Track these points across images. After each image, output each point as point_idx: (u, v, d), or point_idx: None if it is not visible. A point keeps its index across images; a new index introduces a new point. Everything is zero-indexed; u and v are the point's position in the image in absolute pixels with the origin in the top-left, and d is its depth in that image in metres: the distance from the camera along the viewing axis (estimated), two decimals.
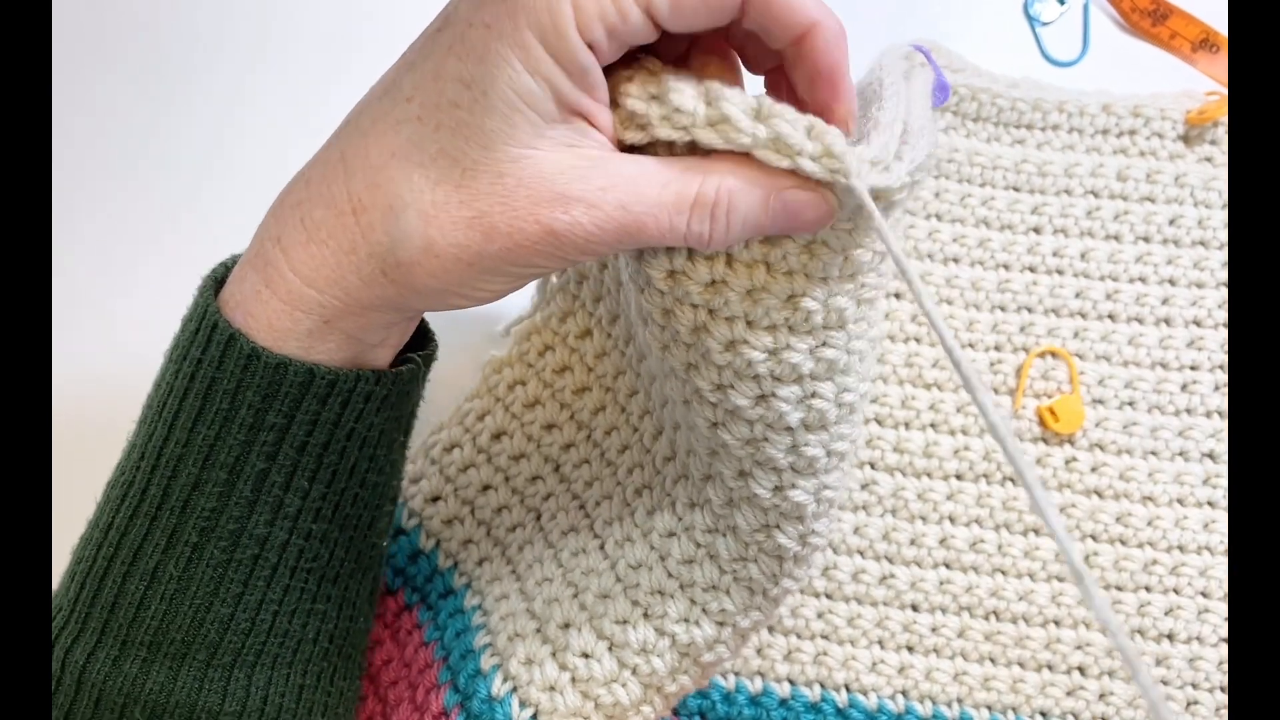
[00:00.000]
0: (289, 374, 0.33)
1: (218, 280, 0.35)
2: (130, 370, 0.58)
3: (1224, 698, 0.49)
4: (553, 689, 0.43)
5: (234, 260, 0.36)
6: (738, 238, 0.31)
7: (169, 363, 0.35)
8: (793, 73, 0.31)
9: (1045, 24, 0.65)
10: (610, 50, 0.29)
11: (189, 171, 0.63)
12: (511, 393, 0.50)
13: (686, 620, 0.42)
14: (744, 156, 0.30)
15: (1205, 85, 0.61)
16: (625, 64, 0.31)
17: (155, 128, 0.64)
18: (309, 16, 0.66)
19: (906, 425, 0.53)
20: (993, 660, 0.49)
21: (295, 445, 0.34)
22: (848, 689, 0.49)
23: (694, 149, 0.31)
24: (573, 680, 0.43)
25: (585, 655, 0.43)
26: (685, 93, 0.30)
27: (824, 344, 0.34)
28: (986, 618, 0.50)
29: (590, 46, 0.28)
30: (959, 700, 0.49)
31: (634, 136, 0.30)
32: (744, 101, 0.30)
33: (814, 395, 0.35)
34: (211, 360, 0.33)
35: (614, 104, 0.31)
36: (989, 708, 0.49)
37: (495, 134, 0.29)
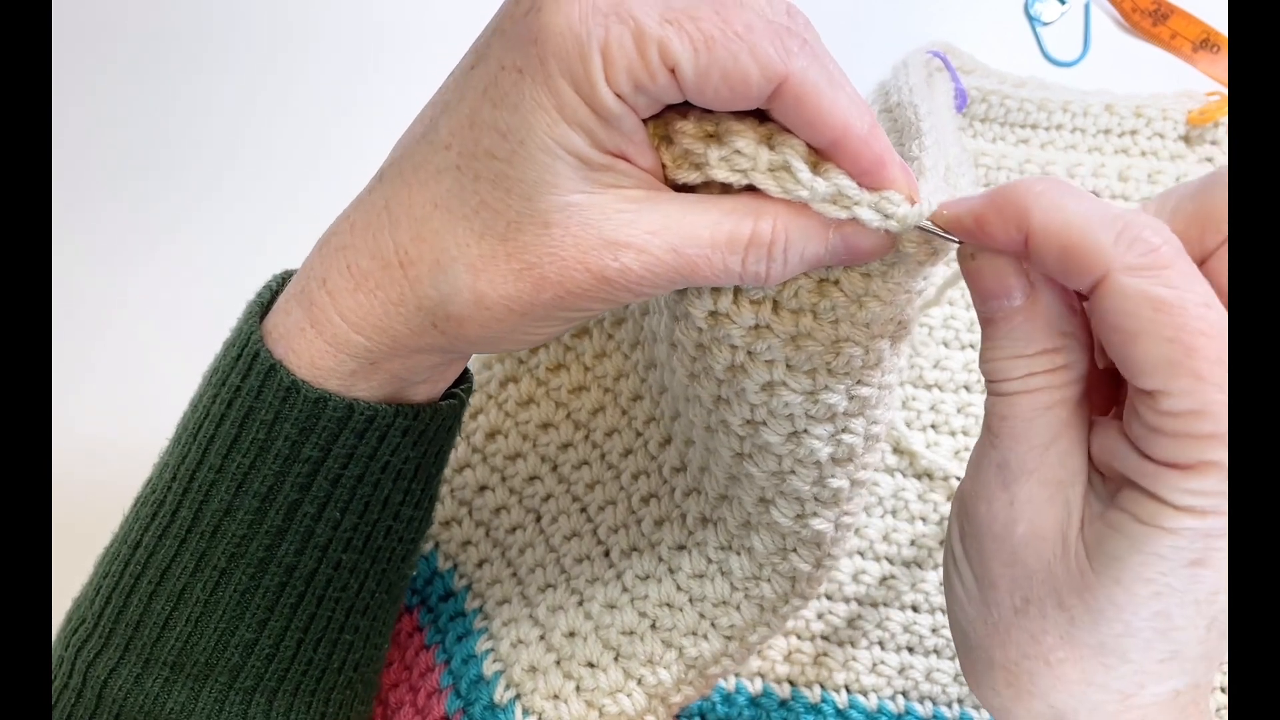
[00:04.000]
0: (328, 408, 0.32)
1: (263, 305, 0.35)
2: (129, 375, 0.58)
3: None
4: (557, 697, 0.43)
5: (278, 283, 0.35)
6: (795, 272, 0.30)
7: (207, 386, 0.35)
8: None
9: (1046, 24, 0.65)
10: (641, 105, 0.28)
11: (194, 179, 0.63)
12: (504, 390, 0.50)
13: (695, 633, 0.41)
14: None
15: (1206, 85, 0.61)
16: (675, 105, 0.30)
17: (156, 135, 0.64)
18: (313, 21, 0.66)
19: (907, 425, 0.53)
20: None
21: (329, 478, 0.34)
22: (848, 690, 0.49)
23: (747, 188, 0.29)
24: (578, 689, 0.43)
25: (591, 665, 0.43)
26: (746, 134, 0.29)
27: (859, 382, 0.33)
28: None
29: (619, 97, 0.27)
30: (959, 701, 0.49)
31: (687, 176, 0.29)
32: (804, 150, 0.29)
33: (845, 430, 0.34)
34: (251, 390, 0.33)
35: (668, 140, 0.30)
36: None
37: (537, 185, 0.28)
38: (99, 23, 0.66)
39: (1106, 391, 0.30)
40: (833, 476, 0.36)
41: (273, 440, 0.33)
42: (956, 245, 0.29)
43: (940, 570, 0.50)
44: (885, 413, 0.35)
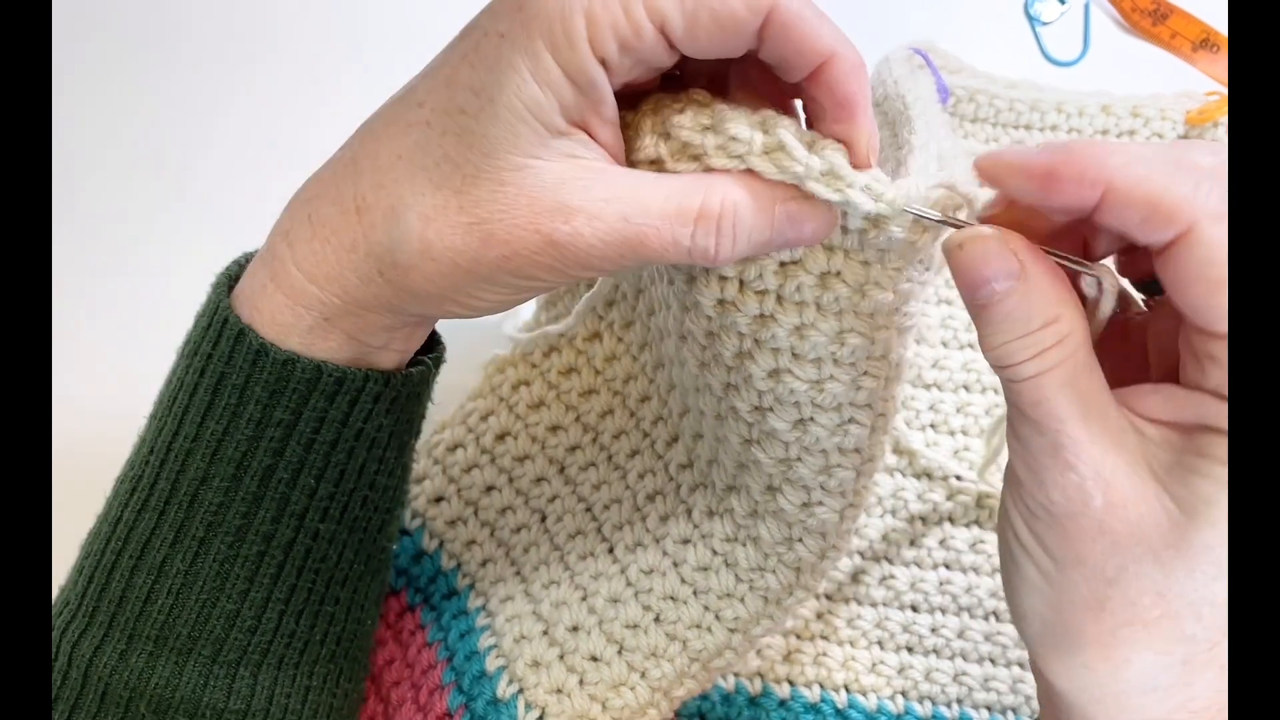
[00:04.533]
0: (296, 370, 0.33)
1: (231, 278, 0.35)
2: (129, 371, 0.58)
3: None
4: (560, 691, 0.43)
5: (246, 258, 0.36)
6: (743, 252, 0.30)
7: (180, 358, 0.35)
8: (810, 107, 0.31)
9: (1045, 24, 0.65)
10: (623, 67, 0.29)
11: (192, 173, 0.63)
12: (516, 393, 0.50)
13: (699, 626, 0.42)
14: (746, 171, 0.30)
15: (1205, 85, 0.61)
16: (673, 96, 0.31)
17: (156, 134, 0.64)
18: (316, 21, 0.67)
19: (906, 425, 0.53)
20: (992, 660, 0.49)
21: (302, 442, 0.34)
22: (847, 690, 0.49)
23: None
24: (581, 683, 0.43)
25: (594, 659, 0.43)
26: (740, 121, 0.29)
27: (865, 373, 0.34)
28: (986, 618, 0.50)
29: (603, 62, 0.28)
30: (959, 701, 0.49)
31: (686, 168, 0.30)
32: (799, 131, 0.29)
33: (851, 421, 0.35)
34: (221, 355, 0.33)
35: (665, 135, 0.30)
36: (989, 708, 0.49)
37: (498, 141, 0.29)
38: (99, 23, 0.66)
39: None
40: (839, 466, 0.36)
41: (244, 404, 0.33)
42: (952, 232, 0.29)
43: (938, 570, 0.50)
44: (892, 405, 0.36)
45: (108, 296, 0.60)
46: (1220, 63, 0.62)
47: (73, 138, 0.63)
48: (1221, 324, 0.25)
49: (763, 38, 0.28)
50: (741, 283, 0.32)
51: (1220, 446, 0.26)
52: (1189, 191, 0.25)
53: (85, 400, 0.57)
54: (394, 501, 0.39)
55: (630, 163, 0.31)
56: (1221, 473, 0.26)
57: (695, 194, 0.29)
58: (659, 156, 0.30)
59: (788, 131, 0.29)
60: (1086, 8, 0.65)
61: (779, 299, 0.32)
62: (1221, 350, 0.26)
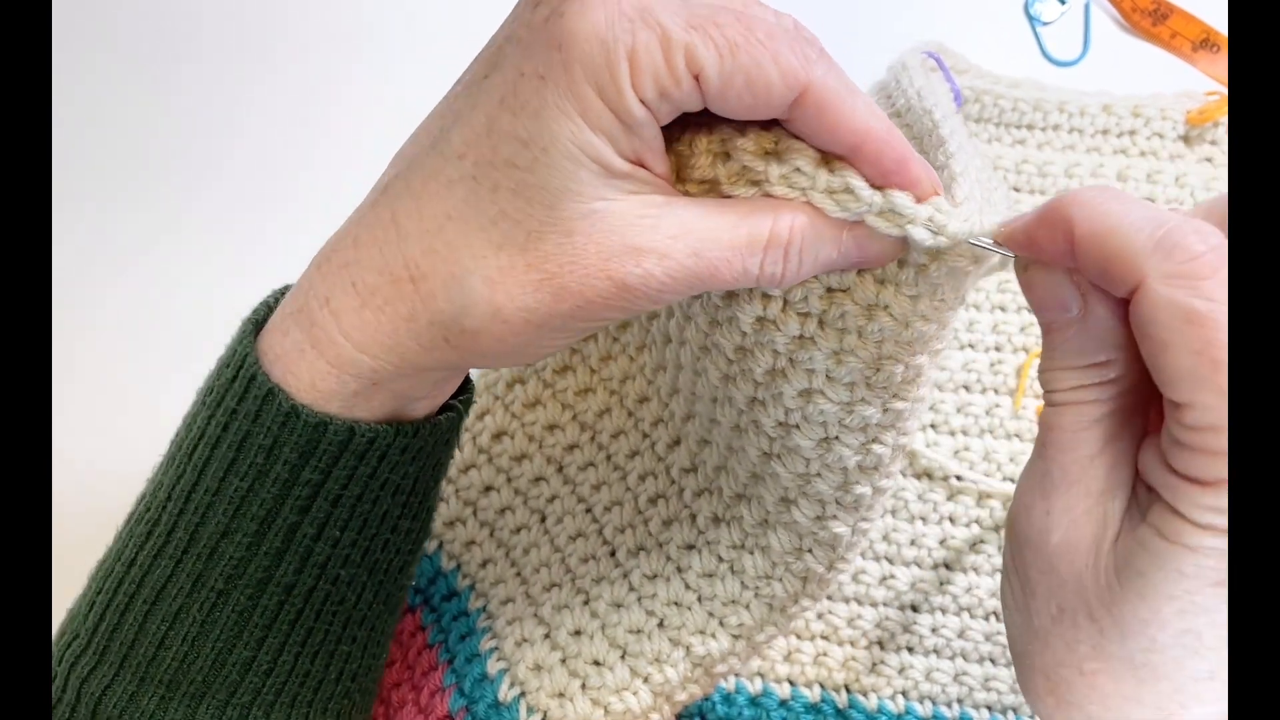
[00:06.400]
0: (329, 432, 0.32)
1: (256, 324, 0.34)
2: (125, 380, 0.58)
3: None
4: (562, 695, 0.43)
5: (272, 300, 0.35)
6: (809, 275, 0.30)
7: (201, 406, 0.34)
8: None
9: (1046, 24, 0.65)
10: (663, 112, 0.28)
11: (192, 183, 0.63)
12: (511, 392, 0.50)
13: (703, 632, 0.42)
14: None
15: (1205, 85, 0.61)
16: (730, 120, 0.30)
17: (154, 137, 0.64)
18: (315, 26, 0.66)
19: None
20: (992, 660, 0.49)
21: (329, 499, 0.33)
22: (847, 689, 0.49)
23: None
24: (583, 687, 0.43)
25: (597, 663, 0.43)
26: (806, 153, 0.29)
27: (896, 396, 0.33)
28: (986, 618, 0.50)
29: (644, 104, 0.27)
30: (959, 701, 0.49)
31: (743, 192, 0.30)
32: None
33: (876, 441, 0.35)
34: (248, 413, 0.32)
35: (724, 156, 0.30)
36: (989, 708, 0.49)
37: (560, 193, 0.28)
38: (99, 23, 0.66)
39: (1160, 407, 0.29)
40: (857, 483, 0.36)
41: (271, 464, 0.32)
42: (1010, 258, 0.29)
43: (938, 570, 0.51)
44: (915, 424, 0.36)
45: (109, 308, 0.60)
46: (1220, 63, 0.62)
47: (74, 143, 0.63)
48: (1165, 387, 0.25)
49: (793, 114, 0.28)
50: (785, 302, 0.31)
51: (1160, 518, 0.25)
52: (1142, 248, 0.25)
53: (85, 413, 0.57)
54: (415, 543, 0.38)
55: (680, 180, 0.30)
56: (1158, 545, 0.25)
57: (764, 221, 0.29)
58: (714, 177, 0.30)
59: (853, 172, 0.28)
60: (1086, 8, 0.65)
61: (821, 323, 0.32)
62: (1170, 413, 0.25)
